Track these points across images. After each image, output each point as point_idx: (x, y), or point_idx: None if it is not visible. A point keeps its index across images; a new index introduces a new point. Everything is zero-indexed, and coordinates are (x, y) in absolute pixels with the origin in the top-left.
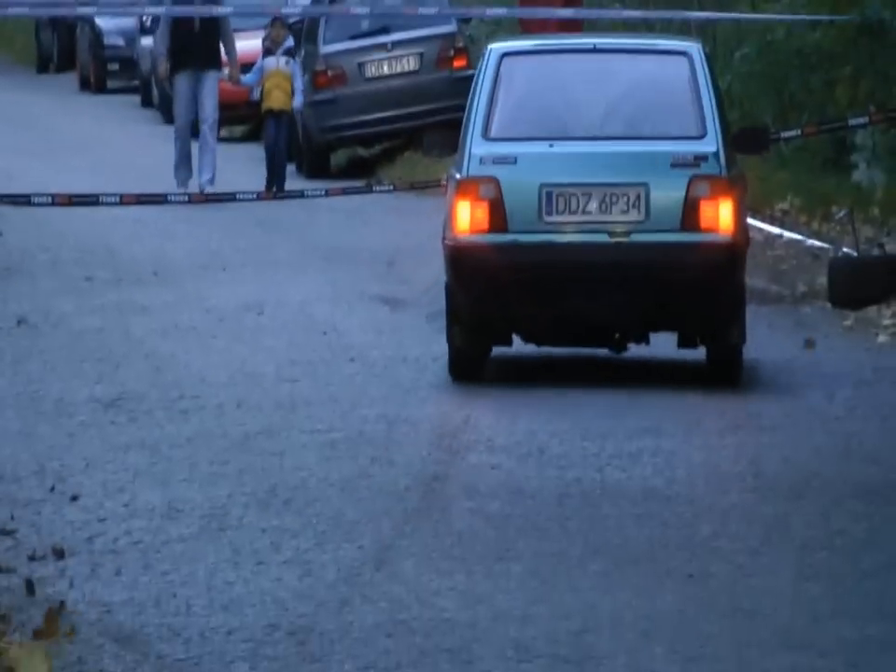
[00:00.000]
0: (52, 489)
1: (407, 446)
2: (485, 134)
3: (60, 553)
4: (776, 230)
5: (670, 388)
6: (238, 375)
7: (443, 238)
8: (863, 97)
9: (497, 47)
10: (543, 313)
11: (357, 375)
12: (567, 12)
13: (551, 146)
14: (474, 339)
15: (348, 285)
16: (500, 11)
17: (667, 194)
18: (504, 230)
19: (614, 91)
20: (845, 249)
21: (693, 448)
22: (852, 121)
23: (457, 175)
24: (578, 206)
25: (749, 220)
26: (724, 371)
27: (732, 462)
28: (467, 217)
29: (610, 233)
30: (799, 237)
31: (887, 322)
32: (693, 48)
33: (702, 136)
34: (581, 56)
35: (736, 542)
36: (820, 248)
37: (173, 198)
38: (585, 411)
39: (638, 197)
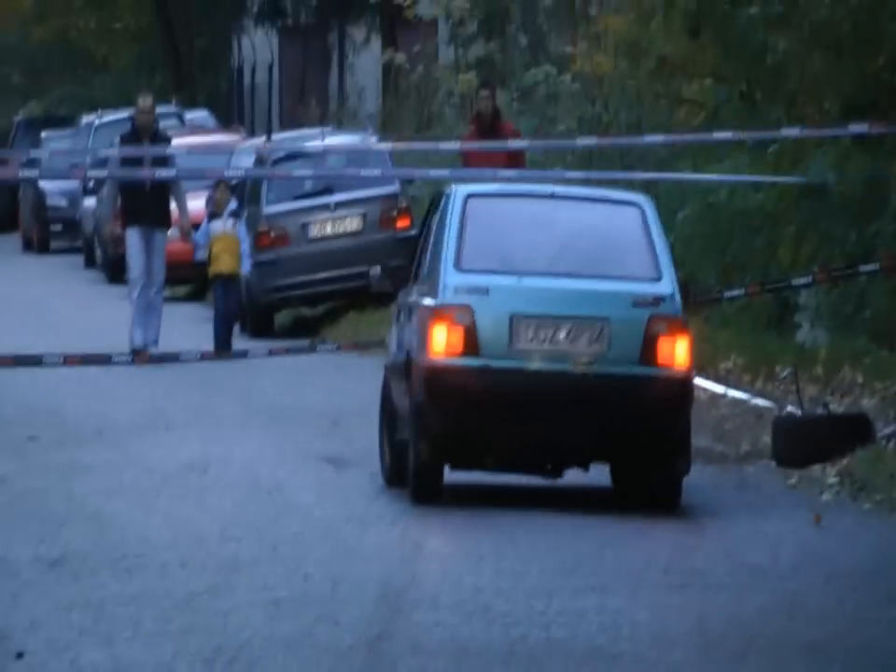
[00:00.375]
0: None
1: (351, 605)
2: (458, 266)
3: None
4: (720, 389)
5: (614, 545)
6: (182, 535)
7: (406, 359)
8: (806, 257)
9: (462, 188)
10: (509, 433)
11: (302, 534)
12: (509, 173)
13: (519, 279)
14: (440, 455)
15: (292, 444)
16: (443, 173)
17: (628, 330)
18: (476, 354)
19: (573, 234)
20: (789, 408)
21: (639, 606)
22: (795, 281)
23: (431, 302)
24: (545, 336)
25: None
26: (667, 499)
27: (677, 620)
28: (442, 340)
29: (575, 363)
30: (743, 396)
31: (831, 481)
32: (643, 199)
33: (658, 279)
34: (540, 201)
35: None
36: (764, 407)
37: (117, 358)
38: (531, 567)
39: (601, 330)
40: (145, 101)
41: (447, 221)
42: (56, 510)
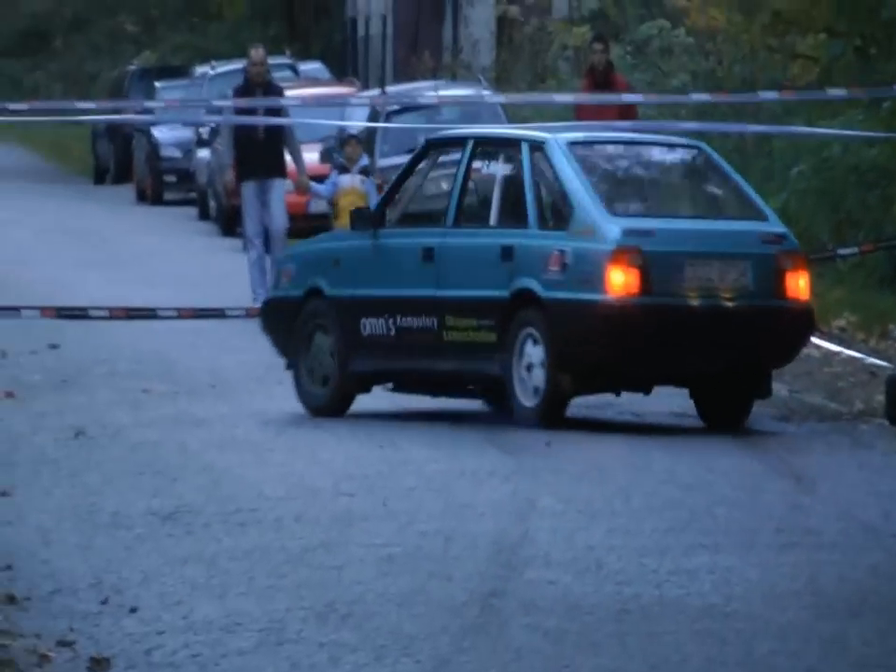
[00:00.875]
0: (105, 601)
1: (465, 561)
2: (611, 210)
3: (105, 665)
4: (833, 347)
5: (726, 504)
6: (295, 489)
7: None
8: None
9: (560, 137)
10: (662, 361)
11: (415, 489)
12: (624, 125)
13: (669, 221)
14: (585, 384)
15: (405, 398)
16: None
17: (763, 265)
18: (651, 293)
19: (673, 177)
20: None
21: (751, 565)
22: None
23: (597, 246)
24: (703, 274)
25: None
26: (742, 418)
27: (789, 579)
28: (621, 281)
29: (725, 298)
30: (857, 354)
31: None
32: (699, 143)
33: (766, 218)
34: (625, 147)
35: (794, 660)
36: (878, 366)
37: (231, 312)
38: (643, 525)
39: (744, 267)
40: (257, 53)
41: (558, 168)
42: (169, 463)
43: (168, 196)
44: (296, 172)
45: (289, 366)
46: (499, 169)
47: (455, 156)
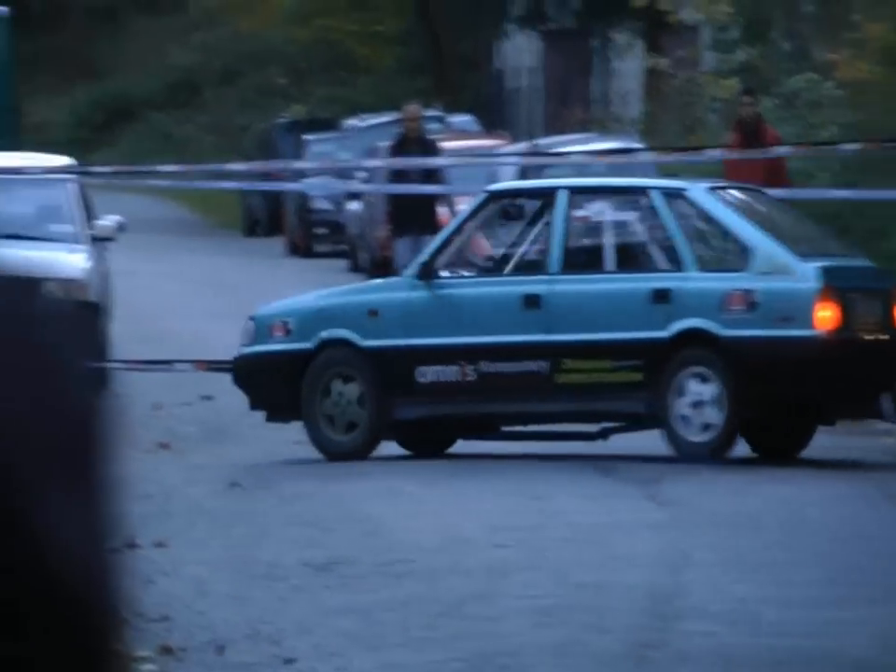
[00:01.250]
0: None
1: (619, 613)
2: (797, 253)
3: None
4: None
5: (881, 556)
6: (450, 540)
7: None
8: None
9: (699, 185)
10: (862, 391)
11: (570, 541)
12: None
13: (830, 261)
14: (771, 418)
15: (560, 450)
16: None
17: (887, 298)
18: (849, 329)
19: (782, 221)
20: None
21: None
22: None
23: (798, 285)
24: (862, 308)
25: None
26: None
27: None
28: (828, 316)
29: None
30: None
31: None
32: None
33: (856, 255)
34: (741, 192)
35: None
36: None
37: None
38: (796, 576)
39: (884, 300)
40: (412, 108)
41: (714, 213)
42: (324, 514)
43: (319, 248)
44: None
45: (276, 417)
46: (612, 216)
47: (527, 206)
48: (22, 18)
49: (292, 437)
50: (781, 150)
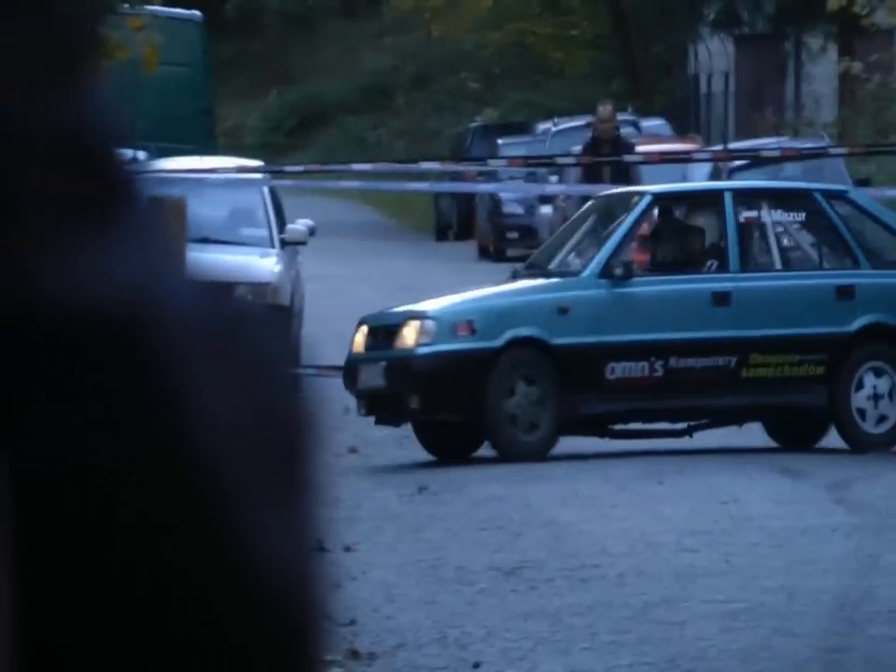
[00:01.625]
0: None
1: (807, 617)
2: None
3: None
4: None
5: None
6: (637, 544)
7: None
8: None
9: (818, 188)
10: None
11: (758, 546)
12: None
13: None
14: None
15: (749, 454)
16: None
17: None
18: None
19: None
20: None
21: None
22: None
23: None
24: None
25: None
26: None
27: None
28: None
29: None
30: None
31: None
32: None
33: None
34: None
35: None
36: None
37: None
38: None
39: None
40: (605, 109)
41: (880, 214)
42: (512, 518)
43: (510, 252)
44: None
45: (383, 420)
46: (777, 217)
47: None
48: (217, 23)
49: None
50: None
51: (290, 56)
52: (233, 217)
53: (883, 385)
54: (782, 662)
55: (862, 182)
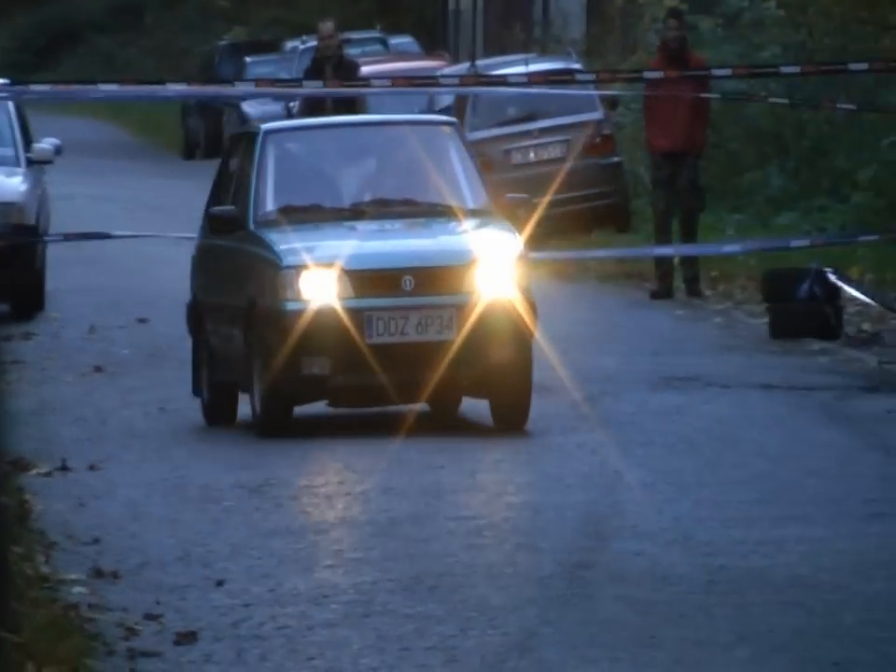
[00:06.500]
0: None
1: (553, 533)
2: None
3: (192, 638)
4: None
5: (815, 475)
6: (383, 462)
7: None
8: None
9: None
10: None
11: (503, 462)
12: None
13: None
14: None
15: None
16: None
17: None
18: None
19: None
20: None
21: (839, 536)
22: None
23: None
24: None
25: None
26: None
27: (878, 550)
28: None
29: None
30: None
31: None
32: None
33: None
34: None
35: (883, 630)
36: None
37: None
38: (730, 497)
39: None
40: (325, 26)
41: None
42: (258, 436)
43: None
44: None
45: None
46: None
47: None
48: None
49: None
50: (722, 71)
51: None
52: None
53: None
54: (526, 578)
55: (612, 104)
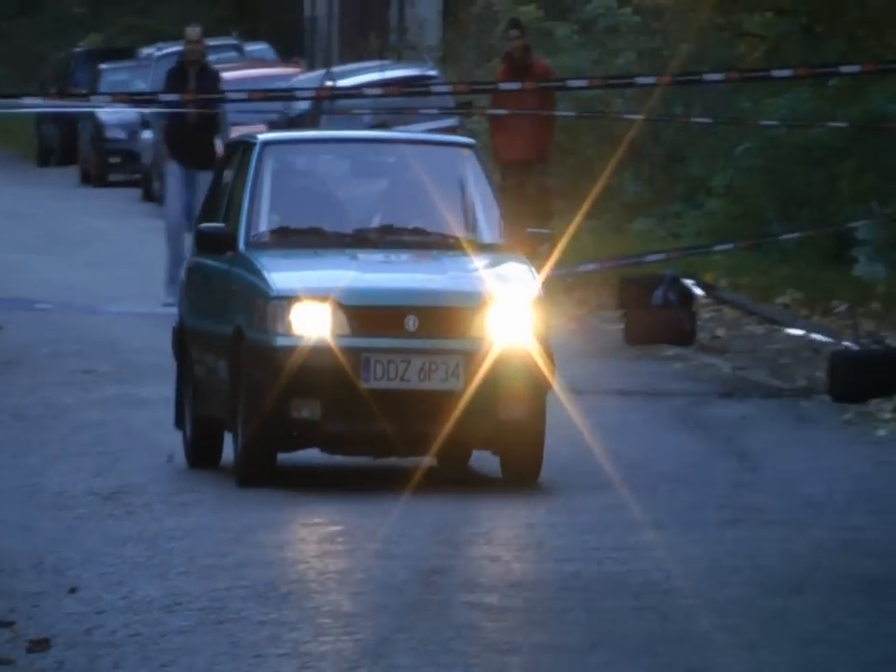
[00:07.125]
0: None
1: (406, 540)
2: None
3: (45, 645)
4: (776, 324)
5: (668, 482)
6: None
7: None
8: (866, 192)
9: None
10: None
11: (355, 469)
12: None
13: None
14: None
15: None
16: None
17: None
18: None
19: None
20: (845, 343)
21: (693, 542)
22: (855, 222)
23: None
24: None
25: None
26: None
27: (731, 556)
28: None
29: None
30: (799, 332)
31: (887, 416)
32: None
33: None
34: None
35: (735, 636)
36: (821, 342)
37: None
38: (585, 504)
39: None
40: (193, 30)
41: None
42: (112, 444)
43: (113, 177)
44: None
45: None
46: None
47: None
48: None
49: (83, 366)
50: (579, 83)
51: None
52: None
53: None
54: (380, 584)
55: (467, 107)
